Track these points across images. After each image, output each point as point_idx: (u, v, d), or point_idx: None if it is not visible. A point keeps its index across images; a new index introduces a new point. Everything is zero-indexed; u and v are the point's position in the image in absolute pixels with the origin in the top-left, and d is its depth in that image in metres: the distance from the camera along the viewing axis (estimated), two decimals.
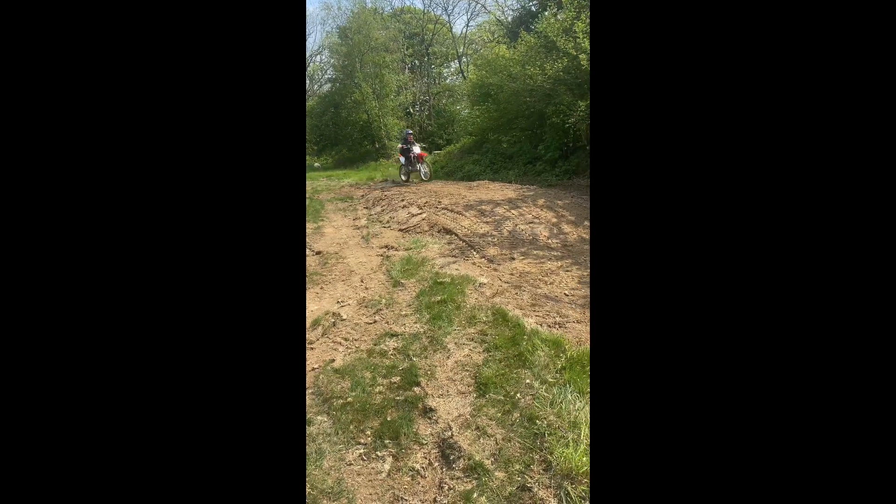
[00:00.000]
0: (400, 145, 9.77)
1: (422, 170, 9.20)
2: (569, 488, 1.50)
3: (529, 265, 4.27)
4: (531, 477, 1.59)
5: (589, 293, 3.50)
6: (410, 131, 10.55)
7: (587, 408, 1.88)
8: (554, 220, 5.76)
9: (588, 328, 2.83)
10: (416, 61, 18.94)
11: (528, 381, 2.15)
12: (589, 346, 2.46)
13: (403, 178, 9.64)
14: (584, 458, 1.58)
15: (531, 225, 5.52)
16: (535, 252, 4.75)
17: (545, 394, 2.02)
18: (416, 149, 9.20)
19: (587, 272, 4.05)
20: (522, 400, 2.01)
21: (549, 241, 5.21)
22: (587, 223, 5.84)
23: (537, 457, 1.67)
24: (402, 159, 9.65)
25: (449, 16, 28.16)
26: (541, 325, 2.88)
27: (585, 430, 1.74)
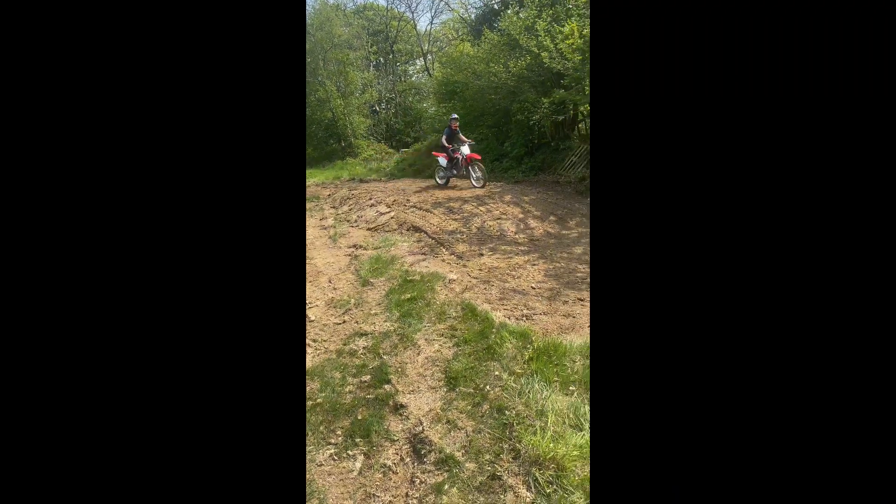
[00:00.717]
0: (443, 139, 7.54)
1: (473, 175, 7.17)
2: (537, 474, 1.55)
3: (498, 260, 4.33)
4: (501, 466, 1.62)
5: (554, 285, 3.59)
6: (456, 117, 7.80)
7: (553, 396, 1.94)
8: (521, 215, 5.86)
9: (553, 319, 2.91)
10: (381, 59, 18.76)
11: (496, 373, 2.19)
12: (554, 337, 2.54)
13: (440, 181, 7.73)
14: (551, 445, 1.63)
15: (499, 221, 5.60)
16: (503, 247, 4.82)
17: (513, 384, 2.06)
18: (466, 149, 7.19)
19: (552, 265, 4.15)
20: (492, 392, 2.05)
21: (517, 236, 5.29)
22: (552, 218, 5.97)
23: (506, 446, 1.71)
24: (443, 160, 7.50)
25: (413, 13, 28.04)
26: (509, 317, 2.94)
27: (552, 418, 1.79)
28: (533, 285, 3.62)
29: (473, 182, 7.17)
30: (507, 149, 9.37)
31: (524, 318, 2.96)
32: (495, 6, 11.49)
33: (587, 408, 1.85)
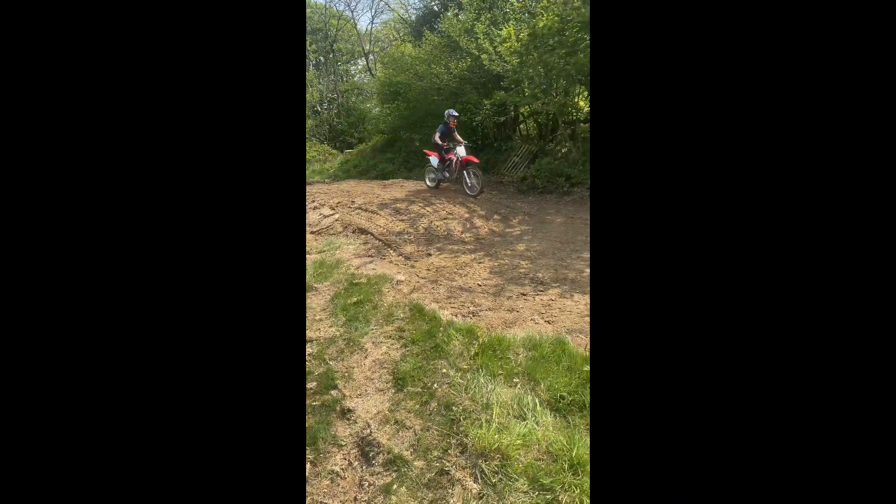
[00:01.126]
0: (436, 137, 6.55)
1: (467, 182, 6.44)
2: (483, 465, 1.60)
3: (445, 260, 4.38)
4: (448, 461, 1.66)
5: (499, 282, 3.69)
6: (456, 114, 6.72)
7: (498, 389, 2.00)
8: (466, 215, 5.95)
9: (498, 314, 3.00)
10: (322, 58, 18.28)
11: (444, 370, 2.22)
12: (499, 332, 2.61)
13: (430, 184, 6.95)
14: (496, 436, 1.69)
15: (445, 221, 5.66)
16: (450, 247, 4.88)
17: (460, 380, 2.11)
18: (462, 150, 6.42)
19: (497, 262, 4.26)
20: (439, 389, 2.08)
21: (463, 235, 5.38)
22: (496, 217, 6.12)
23: (454, 441, 1.75)
24: (435, 160, 6.70)
25: (353, 12, 27.56)
26: (456, 315, 2.98)
27: (497, 410, 1.85)
28: (479, 283, 3.70)
29: (467, 190, 6.45)
30: None
31: (471, 315, 3.02)
32: (435, 7, 11.57)
33: (530, 398, 1.93)
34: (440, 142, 6.52)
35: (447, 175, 6.64)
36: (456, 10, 9.49)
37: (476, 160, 6.59)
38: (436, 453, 1.70)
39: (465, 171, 6.42)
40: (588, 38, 6.54)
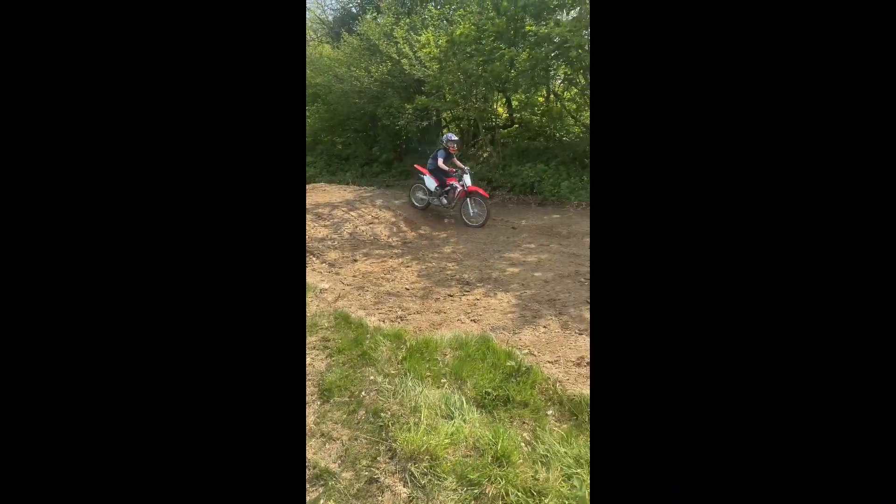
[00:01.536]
0: (439, 162, 5.95)
1: (471, 210, 5.84)
2: (412, 469, 1.60)
3: (372, 265, 4.33)
4: (377, 468, 1.64)
5: (426, 284, 3.72)
6: (455, 138, 6.12)
7: (426, 391, 2.02)
8: (392, 219, 5.93)
9: (426, 317, 3.03)
10: None
11: (372, 377, 2.20)
12: (426, 334, 2.64)
13: (417, 204, 6.35)
14: (425, 437, 1.71)
15: (371, 225, 5.59)
16: (376, 252, 4.83)
17: (388, 386, 2.09)
18: (468, 179, 5.83)
19: (425, 265, 4.30)
20: (367, 397, 2.05)
21: (390, 239, 5.35)
22: (423, 220, 6.17)
23: (383, 448, 1.73)
24: (430, 181, 6.08)
25: None
26: (383, 321, 2.96)
27: (425, 412, 1.87)
28: (407, 286, 3.70)
29: (468, 219, 5.88)
30: (377, 153, 9.39)
31: (399, 320, 3.01)
32: (353, 9, 11.38)
33: (457, 397, 1.97)
34: (444, 167, 5.90)
35: (444, 202, 6.07)
36: (374, 13, 9.41)
37: (484, 193, 5.95)
38: (364, 462, 1.68)
39: (467, 200, 5.89)
40: (504, 47, 6.84)
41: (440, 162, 5.93)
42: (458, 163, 6.10)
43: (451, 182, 5.93)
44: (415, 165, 6.80)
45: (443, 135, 6.44)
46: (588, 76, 7.79)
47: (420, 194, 6.33)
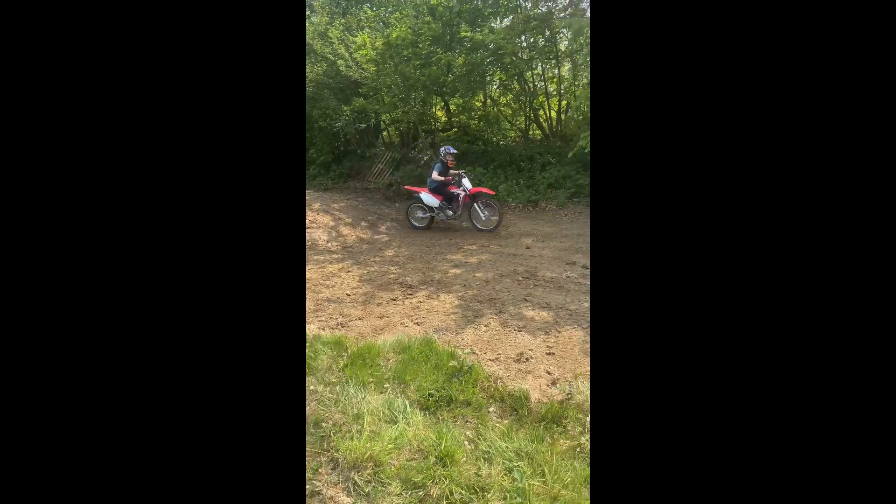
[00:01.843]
0: (434, 175, 5.66)
1: (481, 214, 5.53)
2: (355, 477, 1.57)
3: (311, 271, 4.19)
4: (320, 480, 1.59)
5: (368, 289, 3.67)
6: (453, 151, 5.84)
7: (368, 397, 1.99)
8: (332, 223, 5.78)
9: (368, 322, 2.98)
10: None
11: (312, 387, 2.13)
12: (369, 340, 2.60)
13: (418, 224, 5.94)
14: (368, 444, 1.68)
15: (309, 230, 5.41)
16: (315, 257, 4.69)
17: (329, 395, 2.04)
18: (467, 182, 5.59)
19: (366, 270, 4.24)
20: (308, 407, 1.98)
21: (329, 244, 5.22)
22: (364, 224, 6.08)
23: (325, 458, 1.68)
24: (428, 197, 5.72)
25: None
26: (323, 328, 2.88)
27: (368, 418, 1.84)
28: (348, 292, 3.63)
29: (478, 224, 5.55)
30: (314, 156, 9.11)
31: (339, 327, 2.95)
32: None
33: (400, 401, 1.97)
34: (440, 178, 5.61)
35: (450, 214, 5.70)
36: (308, 12, 9.14)
37: (490, 192, 5.75)
38: (306, 475, 1.62)
39: (474, 204, 5.58)
40: (440, 51, 6.92)
41: (435, 175, 5.65)
42: (461, 172, 5.83)
43: (452, 190, 5.66)
44: (405, 187, 6.53)
45: (440, 147, 6.25)
46: (522, 83, 8.10)
47: (419, 213, 5.93)
